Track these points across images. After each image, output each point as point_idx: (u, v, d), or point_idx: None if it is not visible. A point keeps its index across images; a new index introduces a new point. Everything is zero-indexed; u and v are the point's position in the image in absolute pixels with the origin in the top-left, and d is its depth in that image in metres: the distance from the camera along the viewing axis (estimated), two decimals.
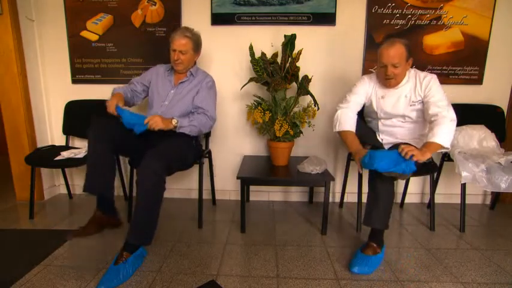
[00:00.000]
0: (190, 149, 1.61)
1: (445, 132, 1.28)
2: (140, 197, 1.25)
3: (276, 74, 1.76)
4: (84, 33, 2.07)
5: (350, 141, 1.45)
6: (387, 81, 1.44)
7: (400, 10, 1.94)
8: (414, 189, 2.17)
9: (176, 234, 1.63)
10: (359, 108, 1.59)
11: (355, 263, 1.28)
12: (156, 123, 1.41)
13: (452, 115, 1.33)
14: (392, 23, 1.96)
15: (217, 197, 2.17)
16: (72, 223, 1.77)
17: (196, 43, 1.64)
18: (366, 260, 1.29)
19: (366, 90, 1.57)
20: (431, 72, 1.52)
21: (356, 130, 1.50)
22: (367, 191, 1.44)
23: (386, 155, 1.23)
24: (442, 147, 1.28)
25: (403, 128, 1.54)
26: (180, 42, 1.56)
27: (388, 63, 1.38)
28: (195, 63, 1.75)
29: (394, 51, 1.35)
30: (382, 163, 1.20)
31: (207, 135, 2.03)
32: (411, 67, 1.49)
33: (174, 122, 1.47)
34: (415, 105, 1.46)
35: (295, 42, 1.72)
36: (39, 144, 2.11)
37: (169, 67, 1.73)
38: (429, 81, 1.41)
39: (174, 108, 1.63)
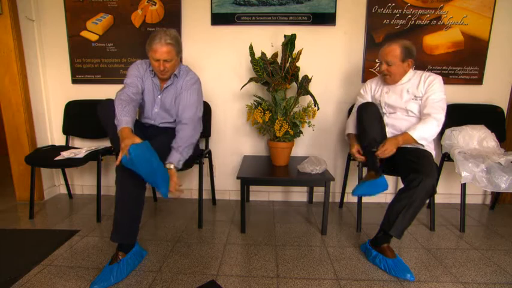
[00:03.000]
0: None
1: (426, 131, 1.43)
2: (119, 196, 1.25)
3: (276, 74, 1.76)
4: (84, 33, 2.07)
5: (351, 143, 1.65)
6: (384, 77, 1.57)
7: (400, 10, 1.94)
8: None
9: (176, 234, 1.63)
10: None
11: (404, 269, 1.25)
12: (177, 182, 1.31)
13: (441, 119, 1.45)
14: (392, 23, 1.96)
15: (217, 197, 2.17)
16: (72, 223, 1.77)
17: (179, 46, 1.46)
18: (402, 262, 1.29)
19: (371, 89, 1.71)
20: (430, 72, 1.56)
21: (361, 120, 1.52)
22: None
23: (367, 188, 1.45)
24: (416, 141, 1.43)
25: (407, 121, 1.56)
26: (162, 51, 1.38)
27: (382, 61, 1.52)
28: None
29: (388, 51, 1.48)
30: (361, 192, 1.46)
31: (207, 135, 2.03)
32: (414, 68, 1.58)
33: (171, 167, 1.33)
34: (416, 100, 1.52)
35: (295, 42, 1.72)
36: (39, 144, 2.11)
37: (151, 67, 1.52)
38: (433, 80, 1.49)
39: (166, 114, 1.58)
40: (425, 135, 1.43)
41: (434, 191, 1.30)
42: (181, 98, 1.52)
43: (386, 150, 1.39)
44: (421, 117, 1.51)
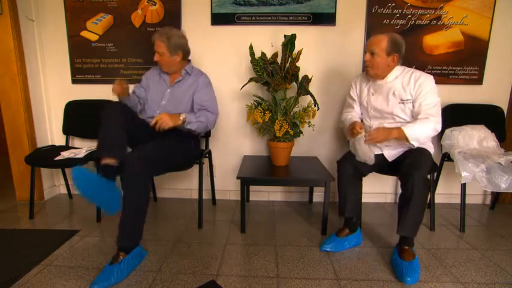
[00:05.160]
0: (184, 150, 1.60)
1: (421, 132, 1.34)
2: (124, 200, 1.25)
3: (276, 74, 1.76)
4: (84, 33, 2.07)
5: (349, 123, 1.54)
6: (366, 68, 1.49)
7: (400, 10, 1.94)
8: None
9: (176, 234, 1.63)
10: (359, 112, 1.66)
11: (406, 274, 1.20)
12: (164, 122, 1.40)
13: (438, 126, 1.37)
14: (392, 23, 1.96)
15: (217, 197, 2.17)
16: (72, 223, 1.77)
17: (173, 46, 1.58)
18: (413, 267, 1.25)
19: (356, 92, 1.64)
20: (430, 73, 1.50)
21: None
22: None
23: None
24: (407, 140, 1.34)
25: None
26: (157, 44, 1.58)
27: (367, 50, 1.44)
28: (189, 61, 1.74)
29: (374, 41, 1.40)
30: None
31: (207, 135, 2.03)
32: (411, 65, 1.52)
33: (182, 116, 1.48)
34: (403, 104, 1.42)
35: (295, 42, 1.72)
36: (39, 144, 2.11)
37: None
38: (423, 81, 1.38)
39: (173, 107, 1.63)
40: (419, 135, 1.34)
41: (427, 182, 1.28)
42: (199, 93, 1.66)
43: (374, 139, 1.34)
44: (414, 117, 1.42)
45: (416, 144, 1.36)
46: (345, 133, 1.64)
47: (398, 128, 1.35)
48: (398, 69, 1.45)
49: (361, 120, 1.66)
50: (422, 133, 1.34)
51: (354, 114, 1.64)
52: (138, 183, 1.25)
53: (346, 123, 1.59)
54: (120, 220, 1.26)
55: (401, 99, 1.43)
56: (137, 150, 1.31)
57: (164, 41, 1.57)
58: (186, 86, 1.67)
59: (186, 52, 1.66)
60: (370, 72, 1.46)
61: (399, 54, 1.40)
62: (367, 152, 1.37)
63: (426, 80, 1.39)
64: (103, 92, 2.11)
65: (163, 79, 1.70)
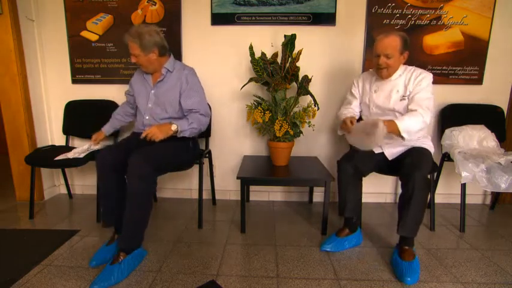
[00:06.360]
0: (183, 150, 1.60)
1: (411, 124, 1.32)
2: (128, 203, 1.26)
3: (276, 74, 1.76)
4: (84, 33, 2.07)
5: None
6: (379, 70, 1.46)
7: (400, 10, 1.94)
8: None
9: (176, 234, 1.63)
10: (357, 110, 1.65)
11: (406, 274, 1.21)
12: (155, 135, 1.38)
13: (427, 119, 1.36)
14: (392, 23, 1.96)
15: (217, 197, 2.17)
16: (72, 223, 1.77)
17: (145, 45, 1.47)
18: (413, 267, 1.25)
19: (359, 90, 1.64)
20: (430, 73, 1.51)
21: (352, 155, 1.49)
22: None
23: None
24: (399, 133, 1.32)
25: None
26: (130, 46, 1.49)
27: (380, 53, 1.40)
28: (169, 56, 1.61)
29: (388, 42, 1.38)
30: None
31: (207, 135, 2.03)
32: (410, 65, 1.51)
33: (173, 127, 1.43)
34: (405, 100, 1.45)
35: (295, 42, 1.72)
36: (39, 144, 2.11)
37: None
38: (422, 78, 1.41)
39: (160, 107, 1.59)
40: (410, 128, 1.32)
41: (428, 182, 1.27)
42: (185, 94, 1.56)
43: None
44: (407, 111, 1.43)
45: (406, 137, 1.33)
46: (338, 128, 1.62)
47: (390, 121, 1.33)
48: (401, 68, 1.48)
49: (360, 117, 1.67)
50: (412, 124, 1.32)
51: (351, 110, 1.63)
52: (140, 186, 1.25)
53: (342, 117, 1.58)
54: (123, 222, 1.27)
55: (403, 96, 1.45)
56: (138, 152, 1.31)
57: (136, 42, 1.47)
58: (171, 85, 1.57)
59: (161, 47, 1.52)
60: (385, 74, 1.45)
61: (409, 50, 1.43)
62: (381, 140, 1.30)
63: (426, 77, 1.42)
64: (103, 92, 2.11)
65: (147, 80, 1.62)
